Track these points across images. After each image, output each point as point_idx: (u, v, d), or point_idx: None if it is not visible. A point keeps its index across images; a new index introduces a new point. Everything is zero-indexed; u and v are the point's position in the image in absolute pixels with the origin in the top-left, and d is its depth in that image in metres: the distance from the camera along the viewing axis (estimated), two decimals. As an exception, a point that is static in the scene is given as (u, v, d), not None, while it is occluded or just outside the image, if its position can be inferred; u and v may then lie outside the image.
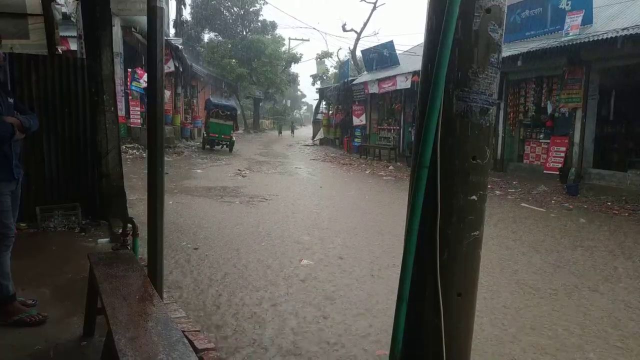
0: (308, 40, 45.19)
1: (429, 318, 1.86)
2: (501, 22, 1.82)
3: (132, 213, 5.89)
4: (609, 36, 9.57)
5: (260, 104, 47.17)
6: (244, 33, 40.57)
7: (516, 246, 6.01)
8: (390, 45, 21.28)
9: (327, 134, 28.16)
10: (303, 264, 4.90)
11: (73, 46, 11.71)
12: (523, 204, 9.22)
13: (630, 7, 11.41)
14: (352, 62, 28.61)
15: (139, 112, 15.95)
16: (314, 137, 31.29)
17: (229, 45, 37.24)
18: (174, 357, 1.81)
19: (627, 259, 5.56)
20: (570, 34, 11.10)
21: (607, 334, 3.52)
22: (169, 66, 18.45)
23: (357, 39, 29.08)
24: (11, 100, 3.24)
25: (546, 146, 12.49)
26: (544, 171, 12.08)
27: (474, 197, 1.85)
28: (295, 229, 6.59)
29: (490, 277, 4.71)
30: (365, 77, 22.67)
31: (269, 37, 40.79)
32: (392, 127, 20.39)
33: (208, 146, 19.56)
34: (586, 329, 3.59)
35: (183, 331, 2.30)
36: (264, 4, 41.11)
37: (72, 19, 11.43)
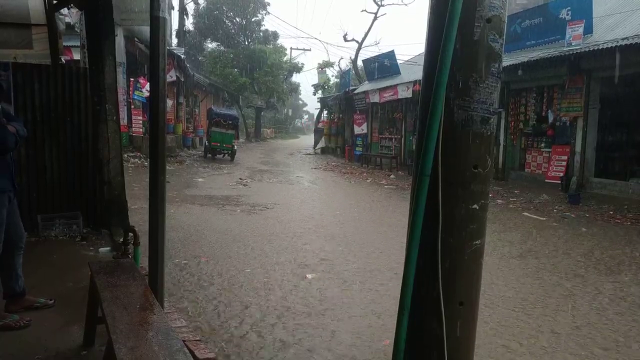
0: (309, 50, 45.44)
1: (431, 327, 1.85)
2: (501, 32, 1.83)
3: (134, 222, 5.88)
4: (609, 46, 9.61)
5: (262, 113, 47.30)
6: (246, 43, 40.78)
7: (518, 255, 5.98)
8: (391, 54, 21.38)
9: (328, 143, 28.21)
10: (308, 277, 4.85)
11: (76, 56, 11.79)
12: (525, 213, 9.19)
13: (629, 17, 11.46)
14: (353, 72, 28.72)
15: (141, 121, 15.99)
16: (315, 145, 31.35)
17: (231, 55, 37.43)
18: (175, 367, 1.80)
19: (631, 267, 5.53)
20: (574, 43, 11.14)
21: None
22: (171, 75, 18.53)
23: (359, 49, 29.23)
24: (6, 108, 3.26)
25: (547, 155, 12.49)
26: (546, 180, 12.06)
27: (475, 206, 1.85)
28: (297, 238, 6.58)
29: (492, 286, 4.68)
30: (366, 86, 22.76)
31: (271, 47, 40.97)
32: (393, 136, 20.42)
33: (210, 155, 19.59)
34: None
35: (184, 340, 2.29)
36: (265, 15, 41.37)
37: (76, 28, 11.54)
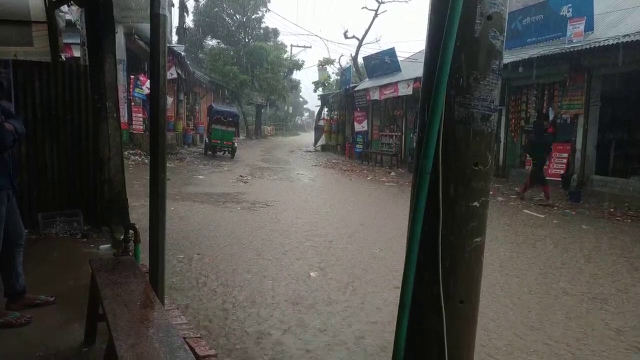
0: (310, 47, 45.43)
1: (431, 325, 1.86)
2: (502, 29, 1.82)
3: (134, 219, 5.88)
4: (610, 43, 9.59)
5: (262, 111, 47.27)
6: (246, 40, 40.72)
7: (517, 253, 5.98)
8: (391, 52, 21.35)
9: (328, 140, 28.21)
10: (311, 275, 4.85)
11: (77, 53, 11.77)
12: (525, 211, 9.19)
13: (631, 13, 11.43)
14: (353, 69, 28.68)
15: (141, 119, 15.99)
16: (315, 143, 31.35)
17: (231, 52, 37.39)
18: (175, 364, 1.80)
19: (634, 268, 5.53)
20: (574, 41, 11.12)
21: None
22: (172, 73, 18.52)
23: (359, 46, 29.19)
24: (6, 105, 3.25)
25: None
26: (546, 178, 12.05)
27: (476, 203, 1.84)
28: (297, 235, 6.58)
29: (492, 285, 4.69)
30: (366, 83, 22.74)
31: (271, 44, 40.93)
32: (393, 134, 20.42)
33: (210, 152, 19.59)
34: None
35: (184, 337, 2.29)
36: (266, 12, 41.33)
37: (77, 26, 11.51)
